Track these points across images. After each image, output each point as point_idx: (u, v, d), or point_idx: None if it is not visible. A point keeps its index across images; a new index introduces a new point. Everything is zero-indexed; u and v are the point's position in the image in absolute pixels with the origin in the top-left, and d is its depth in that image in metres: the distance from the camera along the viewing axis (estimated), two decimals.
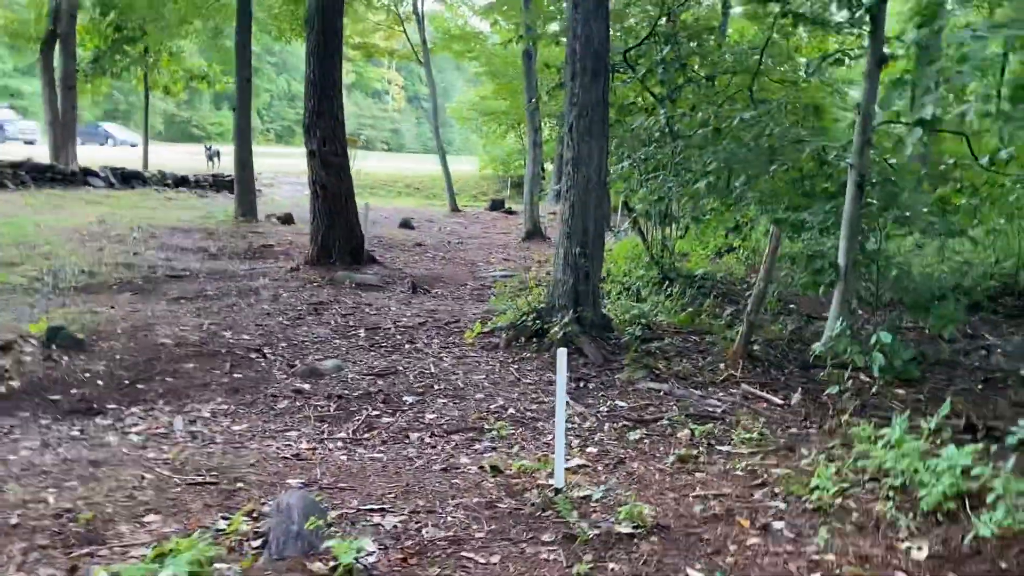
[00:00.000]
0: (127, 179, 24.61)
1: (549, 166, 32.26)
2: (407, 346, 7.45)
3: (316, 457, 4.61)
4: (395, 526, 3.56)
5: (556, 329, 7.20)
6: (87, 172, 23.90)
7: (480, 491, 4.05)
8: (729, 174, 8.13)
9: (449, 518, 3.67)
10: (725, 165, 8.05)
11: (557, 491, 3.89)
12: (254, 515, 3.63)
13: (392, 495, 3.98)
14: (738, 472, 4.42)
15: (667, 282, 10.43)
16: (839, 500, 3.87)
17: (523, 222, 17.68)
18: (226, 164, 32.06)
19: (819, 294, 7.72)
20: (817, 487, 3.98)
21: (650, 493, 4.09)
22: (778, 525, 3.69)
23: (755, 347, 7.20)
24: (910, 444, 3.96)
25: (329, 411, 5.51)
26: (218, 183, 26.09)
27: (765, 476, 4.31)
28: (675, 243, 11.10)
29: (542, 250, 15.69)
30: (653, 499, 3.99)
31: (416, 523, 3.61)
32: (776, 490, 4.09)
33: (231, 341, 7.22)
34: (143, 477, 4.04)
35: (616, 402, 5.87)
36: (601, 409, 5.70)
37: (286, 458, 4.56)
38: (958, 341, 8.04)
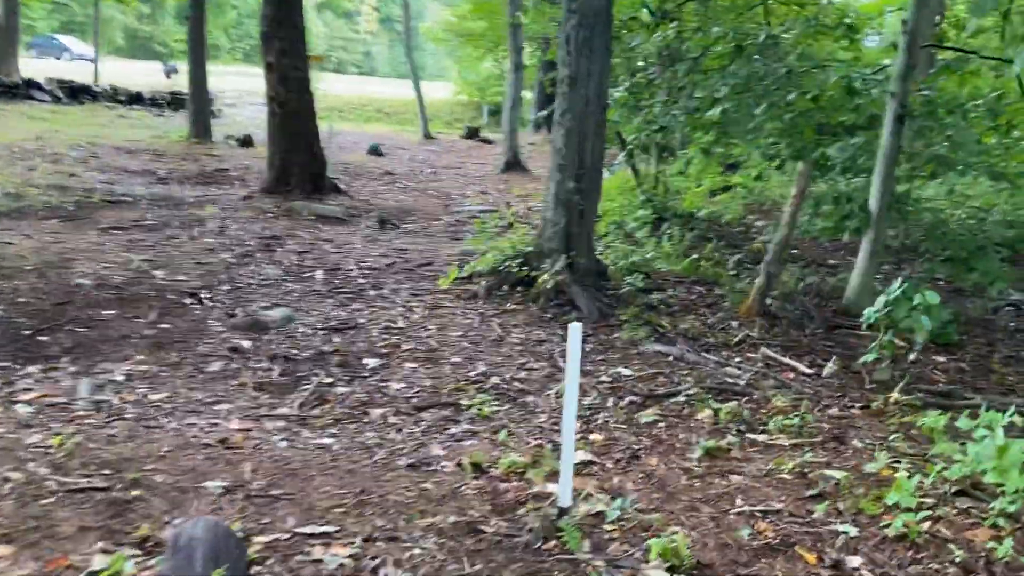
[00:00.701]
0: (75, 94, 22.87)
1: (529, 94, 30.76)
2: (371, 292, 6.41)
3: (248, 444, 3.60)
4: (341, 565, 2.59)
5: (546, 277, 6.20)
6: (31, 84, 22.11)
7: (458, 504, 3.09)
8: (744, 102, 7.05)
9: (416, 550, 2.71)
10: (743, 90, 6.98)
11: (562, 512, 2.93)
12: (148, 545, 2.64)
13: (342, 509, 3.00)
14: (784, 475, 3.50)
15: (662, 222, 9.45)
16: (928, 525, 2.96)
17: (502, 152, 16.47)
18: (184, 82, 30.23)
19: (840, 238, 6.78)
20: (895, 504, 3.07)
21: (679, 508, 3.15)
22: (853, 562, 2.78)
23: (771, 302, 6.27)
24: (1015, 451, 3.05)
25: (271, 377, 4.50)
26: (176, 101, 24.40)
27: (820, 483, 3.39)
28: (671, 180, 10.08)
29: (522, 183, 14.57)
30: (685, 518, 3.05)
31: (372, 558, 2.65)
32: (840, 505, 3.18)
33: (163, 282, 6.13)
34: (6, 480, 3.01)
35: (619, 369, 4.92)
36: (602, 379, 4.74)
37: (208, 445, 3.55)
38: (978, 297, 7.19)
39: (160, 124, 20.36)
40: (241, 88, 28.78)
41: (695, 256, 7.79)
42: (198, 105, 15.58)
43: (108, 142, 14.37)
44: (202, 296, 5.89)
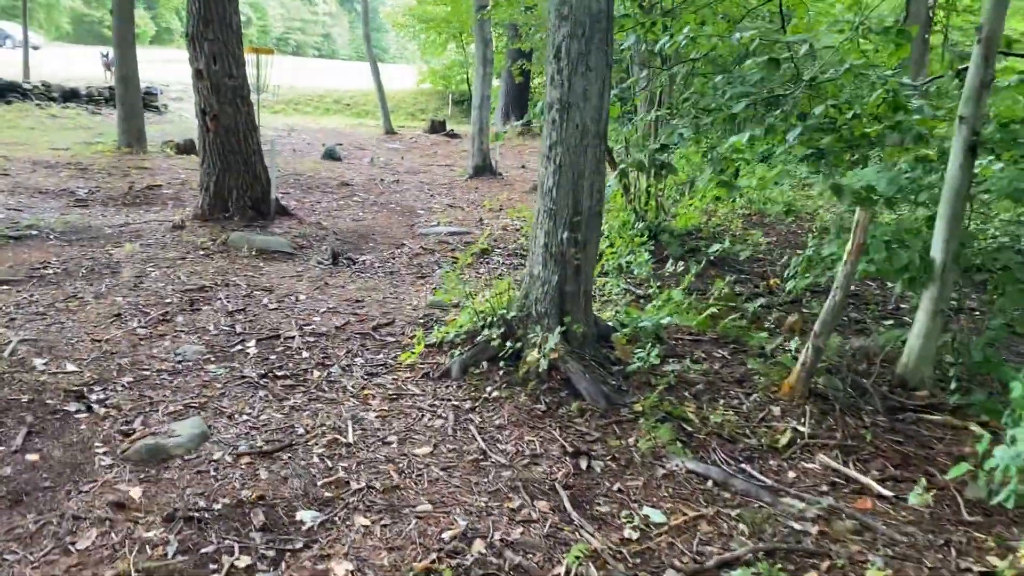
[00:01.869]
0: (2, 93, 21.02)
1: (496, 82, 29.31)
2: (315, 375, 5.07)
3: None
4: None
5: (536, 355, 4.91)
6: None
7: None
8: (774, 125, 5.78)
9: None
10: (769, 104, 5.72)
11: None
12: None
13: None
14: None
15: (653, 241, 8.24)
16: None
17: (469, 151, 15.07)
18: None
19: (900, 293, 5.59)
20: None
21: None
22: None
23: (817, 378, 5.05)
24: None
25: (165, 561, 3.16)
26: (144, 100, 22.68)
27: None
28: (668, 198, 8.84)
29: (495, 191, 13.23)
30: None
31: None
32: None
33: (43, 377, 4.74)
34: None
35: (646, 511, 3.66)
36: (626, 533, 3.48)
37: None
38: None
39: (96, 125, 18.70)
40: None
41: (709, 302, 6.55)
42: (128, 108, 13.94)
43: (26, 154, 12.78)
44: (92, 400, 4.51)
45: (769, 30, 6.78)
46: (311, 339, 5.67)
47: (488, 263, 8.40)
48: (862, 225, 4.67)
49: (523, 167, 16.72)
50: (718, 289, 6.97)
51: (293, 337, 5.69)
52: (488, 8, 13.52)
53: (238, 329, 5.79)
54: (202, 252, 7.82)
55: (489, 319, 5.36)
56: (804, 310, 6.66)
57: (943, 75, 5.91)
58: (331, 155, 15.61)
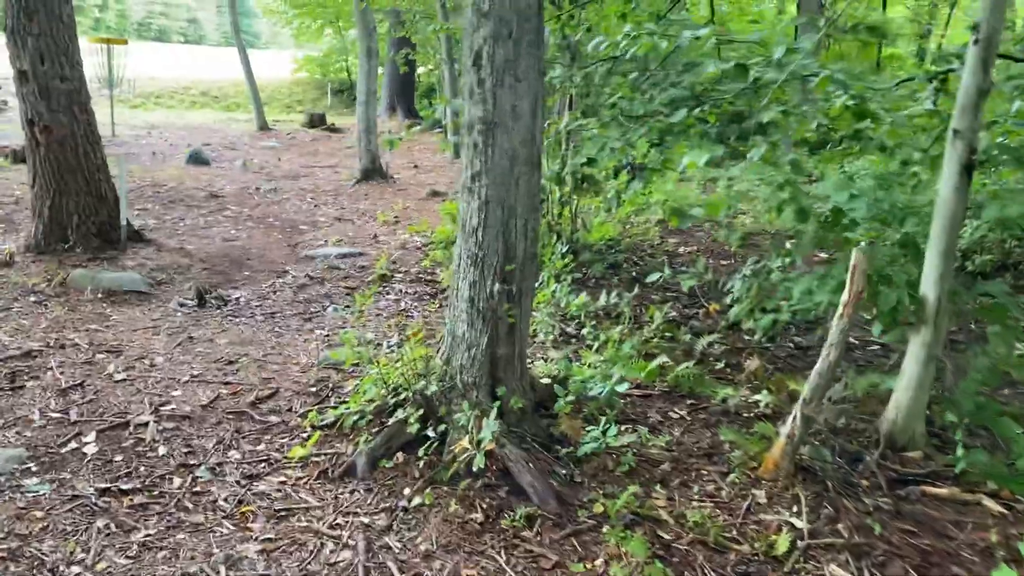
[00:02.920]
0: None
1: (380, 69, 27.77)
2: (176, 483, 3.86)
3: None
4: None
5: (466, 444, 3.85)
6: None
7: None
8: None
9: None
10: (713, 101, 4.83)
11: None
12: None
13: None
14: None
15: (573, 258, 7.34)
16: None
17: (357, 154, 13.71)
18: None
19: (884, 338, 4.84)
20: None
21: None
22: None
23: (804, 452, 4.21)
24: None
25: None
26: None
27: None
28: (592, 211, 7.94)
29: (386, 199, 12.00)
30: None
31: None
32: None
33: None
34: None
35: None
36: None
37: None
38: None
39: None
40: None
41: (646, 337, 5.66)
42: None
43: None
44: None
45: (694, 25, 5.92)
46: (170, 426, 4.41)
47: (388, 292, 7.26)
48: (860, 270, 3.84)
49: (415, 167, 15.52)
50: (653, 319, 6.09)
51: (146, 424, 4.41)
52: None
53: (72, 415, 4.46)
54: (33, 299, 6.34)
55: (402, 393, 4.27)
56: (755, 346, 5.87)
57: (912, 77, 5.18)
58: (197, 158, 13.96)
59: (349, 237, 9.33)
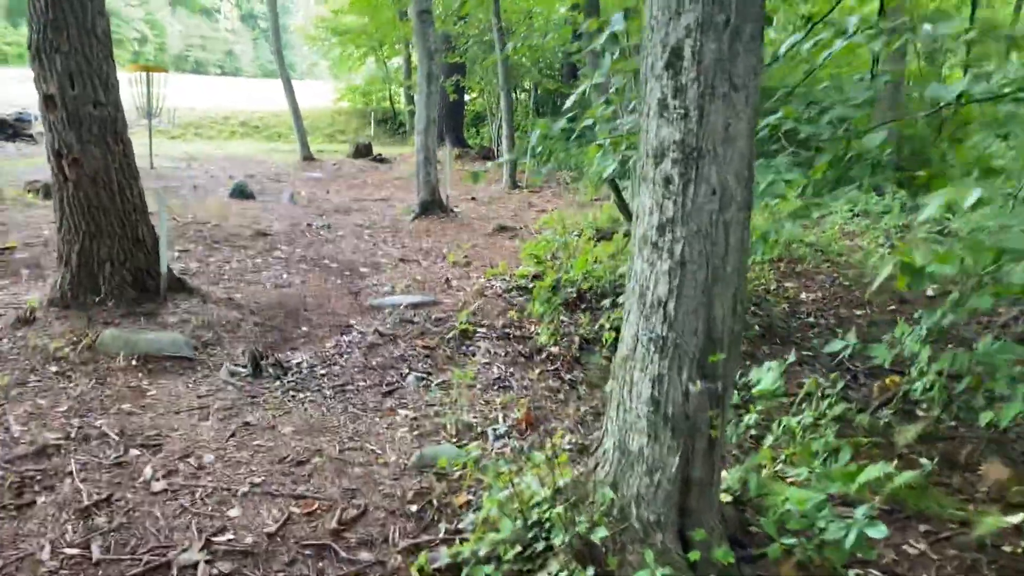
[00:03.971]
0: None
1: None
2: None
3: None
4: None
5: None
6: None
7: None
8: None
9: None
10: None
11: None
12: None
13: None
14: None
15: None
16: None
17: (416, 187, 12.55)
18: (11, 97, 24.77)
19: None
20: None
21: None
22: None
23: None
24: None
25: None
26: (13, 128, 19.51)
27: None
28: None
29: (450, 235, 10.83)
30: None
31: None
32: None
33: None
34: None
35: None
36: None
37: None
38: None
39: None
40: None
41: (827, 439, 4.34)
42: None
43: None
44: None
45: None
46: (227, 569, 3.20)
47: (473, 351, 6.05)
48: None
49: (472, 199, 14.38)
50: (813, 397, 4.79)
51: (195, 566, 3.20)
52: (428, 11, 11.14)
53: (95, 552, 3.26)
54: (55, 369, 5.21)
55: (552, 533, 3.01)
56: (979, 438, 4.52)
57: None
58: (241, 192, 12.95)
59: (417, 282, 8.14)
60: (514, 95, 22.27)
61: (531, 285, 7.51)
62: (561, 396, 5.28)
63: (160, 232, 6.68)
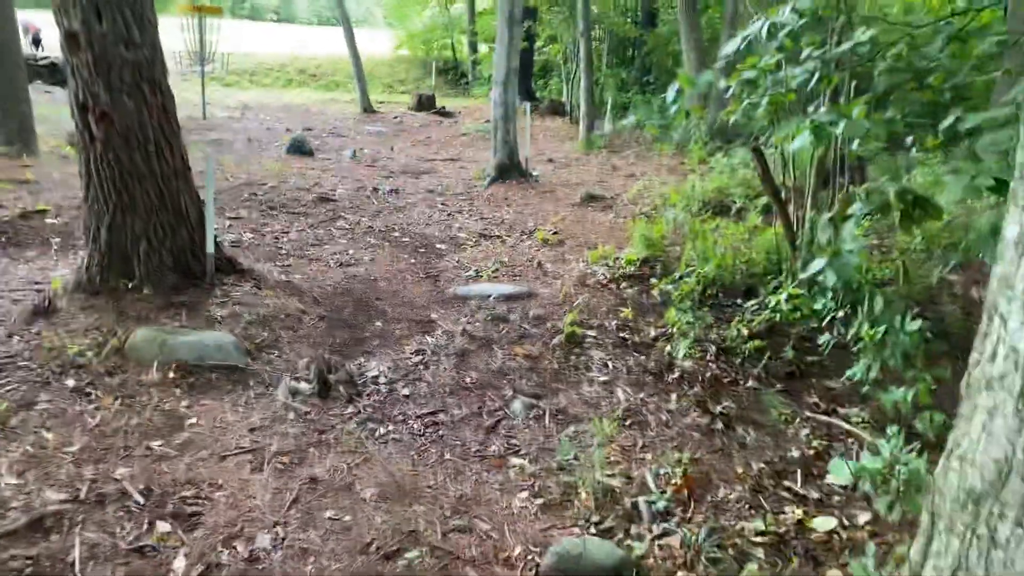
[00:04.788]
0: None
1: (484, 47, 25.36)
2: None
3: None
4: None
5: None
6: None
7: None
8: None
9: None
10: None
11: None
12: None
13: None
14: None
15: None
16: None
17: (492, 147, 11.21)
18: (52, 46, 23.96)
19: None
20: None
21: None
22: None
23: None
24: None
25: None
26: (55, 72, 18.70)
27: None
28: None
29: (532, 203, 9.55)
30: None
31: None
32: None
33: None
34: None
35: None
36: None
37: None
38: None
39: None
40: None
41: None
42: (3, 89, 9.84)
43: None
44: None
45: None
46: None
47: (589, 365, 4.81)
48: None
49: (550, 161, 13.00)
50: None
51: None
52: None
53: None
54: (72, 383, 4.11)
55: None
56: None
57: None
58: (299, 148, 11.81)
59: (505, 265, 6.90)
60: None
61: (639, 273, 6.27)
62: (718, 441, 4.01)
63: (207, 202, 5.53)
